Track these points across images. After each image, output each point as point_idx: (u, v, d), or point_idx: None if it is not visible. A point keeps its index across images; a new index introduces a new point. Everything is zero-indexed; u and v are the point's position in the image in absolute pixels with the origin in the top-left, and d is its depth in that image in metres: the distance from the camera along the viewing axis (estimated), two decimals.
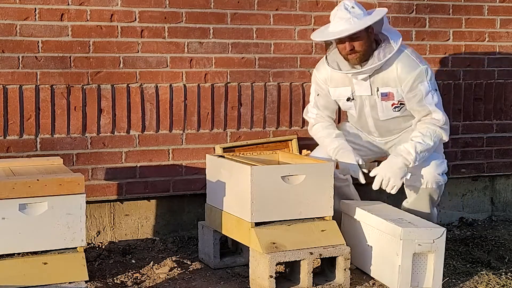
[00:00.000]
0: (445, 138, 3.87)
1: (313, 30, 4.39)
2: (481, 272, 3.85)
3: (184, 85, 4.23)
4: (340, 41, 3.76)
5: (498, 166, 4.98)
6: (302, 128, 4.49)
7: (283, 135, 4.44)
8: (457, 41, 4.80)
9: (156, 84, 4.17)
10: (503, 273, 3.84)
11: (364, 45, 3.75)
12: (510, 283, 3.70)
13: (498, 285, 3.68)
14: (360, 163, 3.90)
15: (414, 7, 4.68)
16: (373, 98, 3.91)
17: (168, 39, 4.17)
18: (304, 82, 4.48)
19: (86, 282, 3.16)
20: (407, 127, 4.00)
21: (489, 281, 3.73)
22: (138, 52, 4.12)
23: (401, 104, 3.88)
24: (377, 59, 3.77)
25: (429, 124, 3.82)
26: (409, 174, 3.80)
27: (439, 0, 4.74)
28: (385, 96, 3.87)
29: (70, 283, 3.12)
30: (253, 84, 4.38)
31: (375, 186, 3.79)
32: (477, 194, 5.06)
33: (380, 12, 3.83)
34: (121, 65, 4.09)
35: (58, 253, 3.15)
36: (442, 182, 3.95)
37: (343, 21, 3.73)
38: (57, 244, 3.14)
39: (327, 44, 3.95)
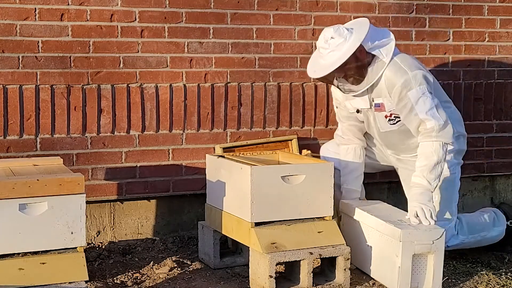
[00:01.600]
0: (447, 141, 3.67)
1: (313, 30, 4.40)
2: (481, 272, 3.85)
3: (184, 85, 4.23)
4: (329, 74, 3.69)
5: (498, 166, 4.98)
6: (302, 128, 4.48)
7: (283, 135, 4.44)
8: (457, 41, 4.80)
9: (156, 84, 4.17)
10: (503, 273, 3.84)
11: (355, 68, 3.67)
12: (510, 283, 3.70)
13: (498, 285, 3.69)
14: None
15: (414, 7, 4.68)
16: (371, 110, 3.85)
17: (168, 39, 4.17)
18: (304, 82, 4.48)
19: (86, 282, 3.16)
20: (415, 146, 3.79)
21: (489, 281, 3.73)
22: (138, 52, 4.12)
23: (395, 117, 3.78)
24: (370, 79, 3.69)
25: (425, 138, 3.66)
26: (436, 196, 3.75)
27: (439, 0, 4.73)
28: (378, 106, 3.79)
29: (70, 283, 3.12)
30: (253, 84, 4.38)
31: (414, 222, 3.55)
32: (477, 194, 5.05)
33: (361, 32, 3.67)
34: (121, 65, 4.09)
35: (58, 253, 3.15)
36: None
37: (325, 56, 3.69)
38: (57, 244, 3.14)
39: None
